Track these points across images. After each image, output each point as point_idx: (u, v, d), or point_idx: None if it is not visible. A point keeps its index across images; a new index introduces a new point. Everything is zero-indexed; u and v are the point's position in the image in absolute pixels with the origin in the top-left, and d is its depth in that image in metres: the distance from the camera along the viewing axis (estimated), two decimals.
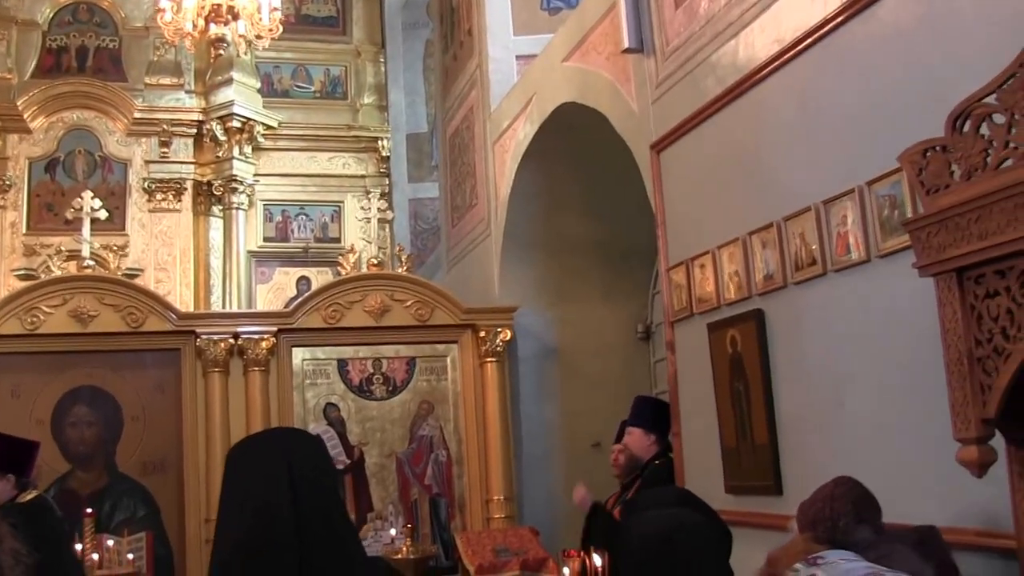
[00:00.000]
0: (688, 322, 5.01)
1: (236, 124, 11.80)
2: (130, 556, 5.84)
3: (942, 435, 2.57)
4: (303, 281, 11.82)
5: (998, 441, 2.39)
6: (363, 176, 12.65)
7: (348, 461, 6.91)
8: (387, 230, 8.87)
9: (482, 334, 7.20)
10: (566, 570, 3.90)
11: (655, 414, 5.35)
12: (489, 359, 7.20)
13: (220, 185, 11.83)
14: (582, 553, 4.30)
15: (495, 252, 7.87)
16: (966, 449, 2.37)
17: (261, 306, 11.40)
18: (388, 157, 12.69)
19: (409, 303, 7.15)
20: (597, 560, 3.83)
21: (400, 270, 7.54)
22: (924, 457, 3.21)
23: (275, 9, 9.05)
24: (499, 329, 7.22)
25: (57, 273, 7.54)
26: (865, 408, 3.62)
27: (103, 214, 8.20)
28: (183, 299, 10.90)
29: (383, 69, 13.01)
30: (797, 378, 4.07)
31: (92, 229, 7.93)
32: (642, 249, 6.98)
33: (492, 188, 8.01)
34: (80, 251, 7.66)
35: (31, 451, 4.92)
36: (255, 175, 12.13)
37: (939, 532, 2.92)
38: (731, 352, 4.54)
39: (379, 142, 12.64)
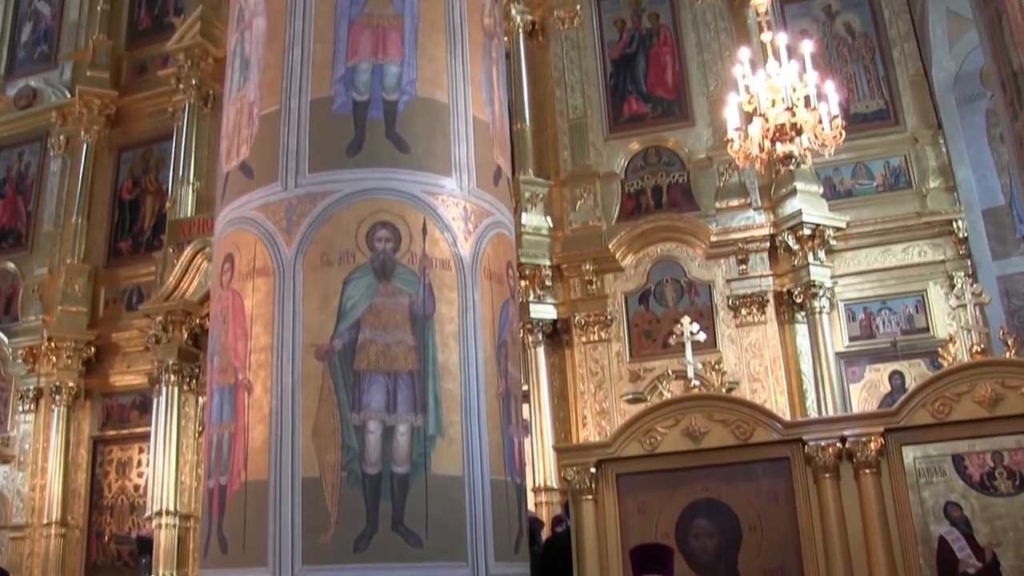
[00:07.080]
0: None
1: (806, 231, 12.14)
2: None
3: None
4: (896, 376, 11.64)
5: None
6: (942, 261, 12.17)
7: (979, 564, 6.53)
8: (979, 312, 8.40)
9: None
10: None
11: None
12: None
13: (800, 292, 12.17)
14: None
15: None
16: None
17: (856, 405, 11.36)
18: (966, 238, 12.10)
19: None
20: None
21: (1008, 354, 7.13)
22: None
23: (835, 116, 9.28)
24: None
25: (666, 395, 8.21)
26: None
27: (702, 336, 8.81)
28: (779, 407, 11.23)
29: (944, 150, 12.52)
30: None
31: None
32: None
33: None
34: (684, 372, 8.27)
35: (670, 555, 5.49)
36: (832, 277, 12.28)
37: None
38: None
39: (953, 224, 12.09)
